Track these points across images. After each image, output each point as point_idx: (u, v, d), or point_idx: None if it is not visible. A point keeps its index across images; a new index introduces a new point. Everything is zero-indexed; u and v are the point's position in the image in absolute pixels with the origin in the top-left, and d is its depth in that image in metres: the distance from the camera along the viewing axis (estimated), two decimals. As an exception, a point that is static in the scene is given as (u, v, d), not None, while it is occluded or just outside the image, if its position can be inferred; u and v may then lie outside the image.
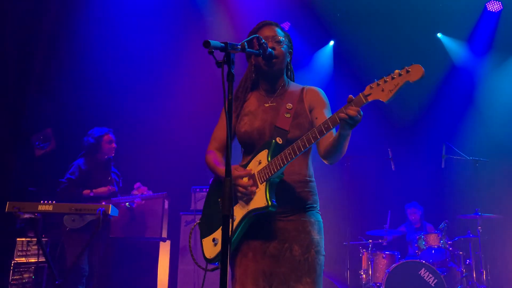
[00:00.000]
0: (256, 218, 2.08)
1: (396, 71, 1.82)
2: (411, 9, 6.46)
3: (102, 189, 4.75)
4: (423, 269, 4.94)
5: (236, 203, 2.13)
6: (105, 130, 4.91)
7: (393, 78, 1.82)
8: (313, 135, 1.97)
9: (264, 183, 2.05)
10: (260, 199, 2.03)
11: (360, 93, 1.89)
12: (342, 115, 1.87)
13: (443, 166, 5.53)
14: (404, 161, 6.40)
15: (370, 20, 6.65)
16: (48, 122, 6.08)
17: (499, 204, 5.81)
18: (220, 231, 2.08)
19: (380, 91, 1.83)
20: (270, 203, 2.00)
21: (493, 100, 6.67)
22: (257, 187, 2.06)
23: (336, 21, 6.90)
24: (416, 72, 1.78)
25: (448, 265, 5.31)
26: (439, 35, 7.01)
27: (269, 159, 2.07)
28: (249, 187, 2.06)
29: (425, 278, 4.90)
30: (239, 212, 2.11)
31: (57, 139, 6.03)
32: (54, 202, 3.62)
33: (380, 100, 1.85)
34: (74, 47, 6.21)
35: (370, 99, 1.86)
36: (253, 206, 2.05)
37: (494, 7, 6.56)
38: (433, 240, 5.32)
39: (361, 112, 1.87)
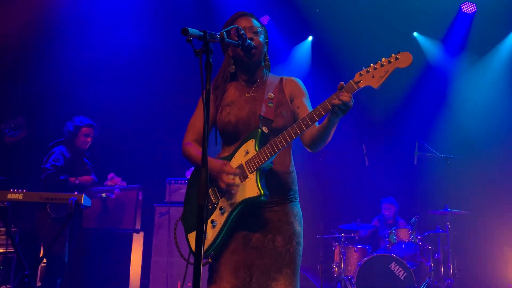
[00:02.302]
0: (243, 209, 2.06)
1: (384, 58, 1.87)
2: (388, 8, 6.54)
3: (86, 178, 4.74)
4: (394, 262, 5.05)
5: (222, 196, 2.11)
6: (86, 122, 4.83)
7: (382, 65, 1.87)
8: (305, 123, 1.98)
9: (255, 173, 2.03)
10: (252, 188, 2.02)
11: (350, 80, 1.92)
12: (335, 101, 1.89)
13: (415, 162, 5.64)
14: (377, 157, 6.51)
15: (349, 18, 6.71)
16: (19, 110, 5.93)
17: (468, 200, 5.97)
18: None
19: (371, 77, 1.88)
20: (262, 191, 2.00)
21: (465, 99, 6.84)
22: (247, 177, 2.05)
23: (315, 17, 6.94)
24: (405, 59, 1.85)
25: (418, 259, 5.44)
26: (415, 34, 7.13)
27: (257, 148, 2.06)
28: (234, 186, 2.04)
29: (395, 271, 5.02)
30: (227, 205, 2.08)
31: (28, 127, 5.89)
32: (24, 190, 3.54)
33: (370, 86, 1.89)
34: (48, 34, 6.07)
35: (361, 85, 1.90)
36: (245, 196, 2.03)
37: (468, 8, 6.71)
38: (404, 234, 5.44)
39: (353, 99, 1.90)
